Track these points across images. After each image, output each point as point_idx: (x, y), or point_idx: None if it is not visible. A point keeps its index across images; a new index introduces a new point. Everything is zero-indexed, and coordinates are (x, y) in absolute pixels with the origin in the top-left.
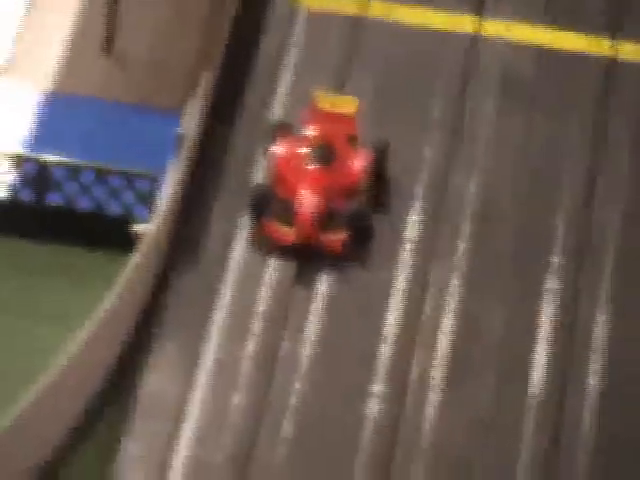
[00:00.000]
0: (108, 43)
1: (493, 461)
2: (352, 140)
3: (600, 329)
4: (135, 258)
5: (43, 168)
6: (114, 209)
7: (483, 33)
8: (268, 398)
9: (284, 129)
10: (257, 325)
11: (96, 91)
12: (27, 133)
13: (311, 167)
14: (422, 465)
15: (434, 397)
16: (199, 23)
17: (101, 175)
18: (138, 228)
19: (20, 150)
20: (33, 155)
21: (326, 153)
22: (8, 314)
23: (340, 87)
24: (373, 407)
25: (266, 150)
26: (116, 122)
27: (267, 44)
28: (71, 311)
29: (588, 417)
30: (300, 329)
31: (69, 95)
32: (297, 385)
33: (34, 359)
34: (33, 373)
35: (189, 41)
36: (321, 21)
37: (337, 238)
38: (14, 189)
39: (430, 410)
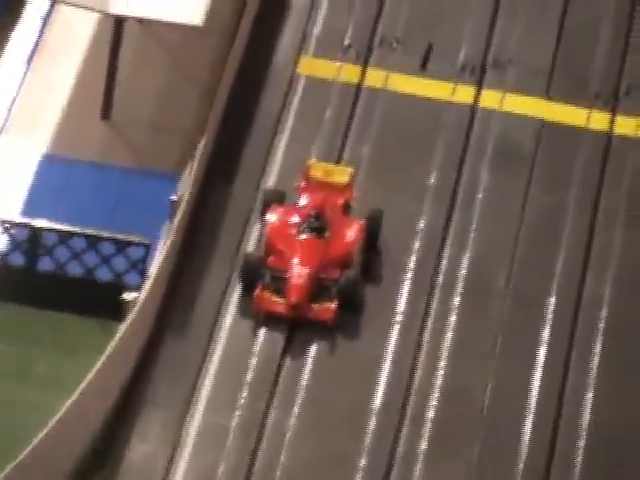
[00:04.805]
0: (106, 107)
1: None
2: (345, 209)
3: (588, 405)
4: (124, 326)
5: (34, 233)
6: (105, 276)
7: (481, 104)
8: (253, 469)
9: (277, 197)
10: (245, 395)
11: (93, 155)
12: (21, 197)
13: (303, 237)
14: None
15: (419, 471)
16: (197, 87)
17: (92, 241)
18: (129, 296)
19: (12, 214)
20: (25, 220)
21: (318, 223)
22: None
23: (335, 155)
24: None
25: (260, 218)
26: (112, 187)
27: (264, 110)
28: (61, 376)
29: None
30: (288, 400)
31: (65, 159)
32: (282, 458)
33: (21, 422)
34: (23, 437)
35: (187, 105)
36: (318, 89)
37: (327, 308)
38: (5, 254)
39: None
